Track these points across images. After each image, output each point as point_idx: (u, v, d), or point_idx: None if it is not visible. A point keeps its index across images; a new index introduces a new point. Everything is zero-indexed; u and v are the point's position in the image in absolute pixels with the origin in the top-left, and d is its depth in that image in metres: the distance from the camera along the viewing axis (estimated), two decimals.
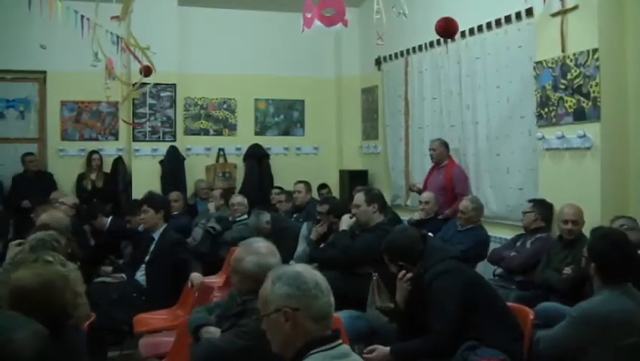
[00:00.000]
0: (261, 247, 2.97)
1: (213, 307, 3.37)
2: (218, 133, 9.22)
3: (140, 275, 5.22)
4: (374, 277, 4.11)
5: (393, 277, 3.72)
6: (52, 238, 3.61)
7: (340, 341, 2.05)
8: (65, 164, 8.52)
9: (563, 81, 5.33)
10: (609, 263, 3.12)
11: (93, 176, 8.37)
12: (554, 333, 3.19)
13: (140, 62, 5.95)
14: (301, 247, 5.74)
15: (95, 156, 8.39)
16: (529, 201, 5.53)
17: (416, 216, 6.34)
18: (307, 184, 7.74)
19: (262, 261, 2.89)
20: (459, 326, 3.31)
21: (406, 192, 8.05)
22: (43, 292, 2.36)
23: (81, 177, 8.41)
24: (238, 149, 9.21)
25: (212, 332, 3.00)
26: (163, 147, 8.64)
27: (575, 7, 5.18)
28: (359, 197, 4.78)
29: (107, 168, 8.57)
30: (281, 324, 2.02)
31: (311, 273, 2.11)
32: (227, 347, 2.78)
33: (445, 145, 6.82)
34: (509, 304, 3.71)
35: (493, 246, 5.72)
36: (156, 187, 8.19)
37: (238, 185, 9.05)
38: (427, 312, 3.41)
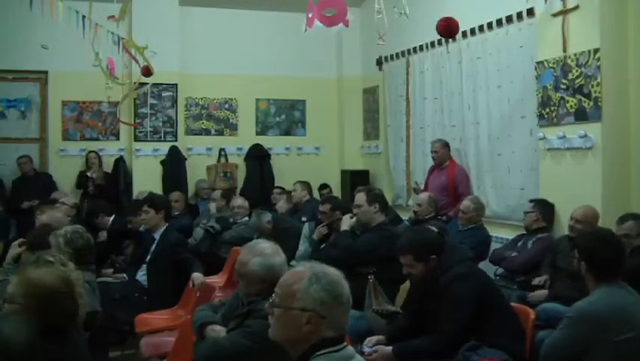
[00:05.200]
0: (266, 248, 2.96)
1: (218, 305, 3.36)
2: (220, 133, 9.22)
3: (142, 275, 5.23)
4: (370, 280, 4.11)
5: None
6: (84, 231, 3.74)
7: (346, 343, 2.03)
8: (66, 164, 8.54)
9: (564, 81, 5.32)
10: (600, 260, 3.13)
11: (96, 175, 8.37)
12: (553, 339, 3.18)
13: (138, 63, 5.96)
14: (303, 246, 5.75)
15: (91, 155, 8.41)
16: (530, 201, 5.52)
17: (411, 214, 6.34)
18: (305, 183, 7.77)
19: (267, 261, 2.88)
20: (467, 329, 3.31)
21: (408, 192, 8.05)
22: (67, 294, 2.36)
23: (82, 177, 8.40)
24: (239, 149, 9.21)
25: (218, 330, 2.98)
26: (164, 147, 8.64)
27: (576, 7, 5.17)
28: (360, 197, 4.78)
29: (108, 168, 8.58)
30: (300, 323, 1.96)
31: (346, 283, 2.05)
32: (232, 347, 2.77)
33: (446, 146, 6.81)
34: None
35: (494, 246, 5.72)
36: (157, 187, 8.21)
37: (239, 185, 9.06)
38: (440, 311, 3.40)
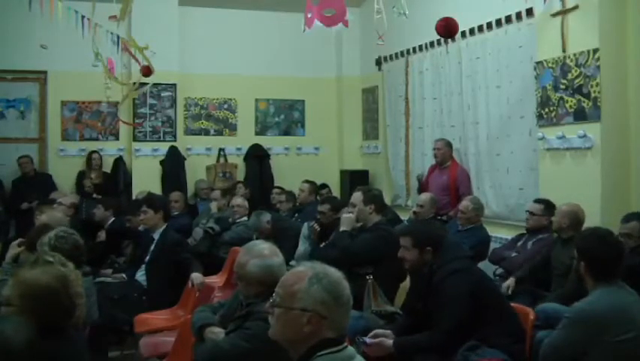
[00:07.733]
0: (264, 249, 2.95)
1: (217, 306, 3.36)
2: (219, 133, 9.22)
3: (141, 275, 5.24)
4: (369, 281, 4.11)
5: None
6: (70, 233, 3.66)
7: (346, 344, 2.02)
8: (66, 164, 8.53)
9: (563, 81, 5.32)
10: (599, 259, 3.13)
11: (93, 175, 8.37)
12: (552, 339, 3.17)
13: (139, 63, 5.96)
14: (302, 246, 5.74)
15: (95, 155, 8.40)
16: (537, 201, 5.28)
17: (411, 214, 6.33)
18: (313, 184, 7.75)
19: (266, 262, 2.88)
20: (464, 326, 3.31)
21: (407, 192, 8.05)
22: (63, 293, 2.36)
23: (81, 176, 8.40)
24: (239, 149, 9.21)
25: (217, 332, 2.98)
26: (163, 147, 8.64)
27: (576, 7, 5.17)
28: (357, 196, 4.77)
29: (108, 168, 8.58)
30: (300, 324, 1.95)
31: (347, 284, 2.04)
32: (232, 349, 2.77)
33: (449, 145, 6.81)
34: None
35: (493, 246, 5.71)
36: (157, 187, 8.21)
37: None
38: (435, 307, 3.41)
